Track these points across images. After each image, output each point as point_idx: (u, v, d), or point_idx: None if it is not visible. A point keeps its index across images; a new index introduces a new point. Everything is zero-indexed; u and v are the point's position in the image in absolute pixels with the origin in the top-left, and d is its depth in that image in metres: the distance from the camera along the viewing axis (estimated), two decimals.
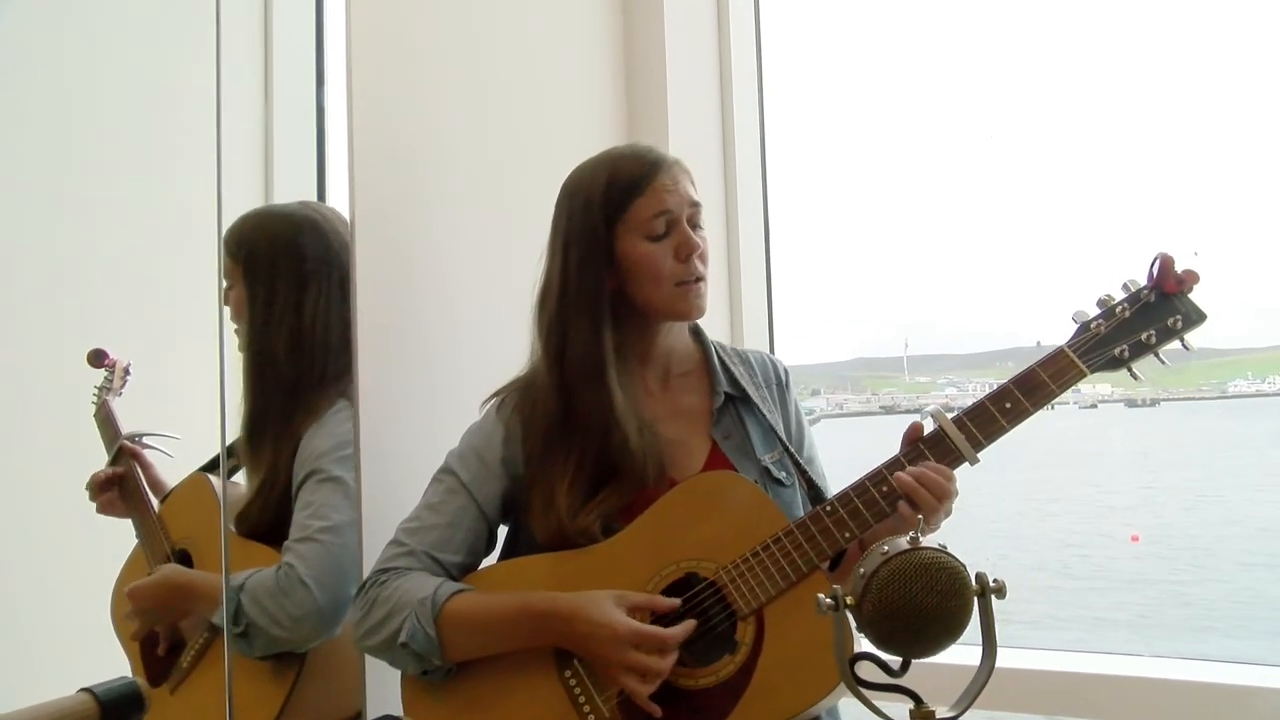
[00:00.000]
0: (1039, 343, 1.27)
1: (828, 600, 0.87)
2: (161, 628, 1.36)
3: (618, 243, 1.32)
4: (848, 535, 1.21)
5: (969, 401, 1.23)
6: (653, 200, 1.31)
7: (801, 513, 1.31)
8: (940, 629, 0.84)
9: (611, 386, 1.30)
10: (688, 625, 1.21)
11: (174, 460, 1.36)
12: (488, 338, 1.66)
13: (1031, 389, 1.21)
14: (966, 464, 1.21)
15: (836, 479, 1.38)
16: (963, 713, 0.89)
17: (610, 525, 1.27)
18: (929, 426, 1.23)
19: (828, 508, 1.22)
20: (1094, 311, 1.23)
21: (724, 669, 1.21)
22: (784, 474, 1.36)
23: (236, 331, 1.42)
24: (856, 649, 0.90)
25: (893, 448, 1.24)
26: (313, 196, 1.59)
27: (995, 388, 1.22)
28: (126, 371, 1.31)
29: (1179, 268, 1.20)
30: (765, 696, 1.18)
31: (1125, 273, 1.24)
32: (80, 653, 1.29)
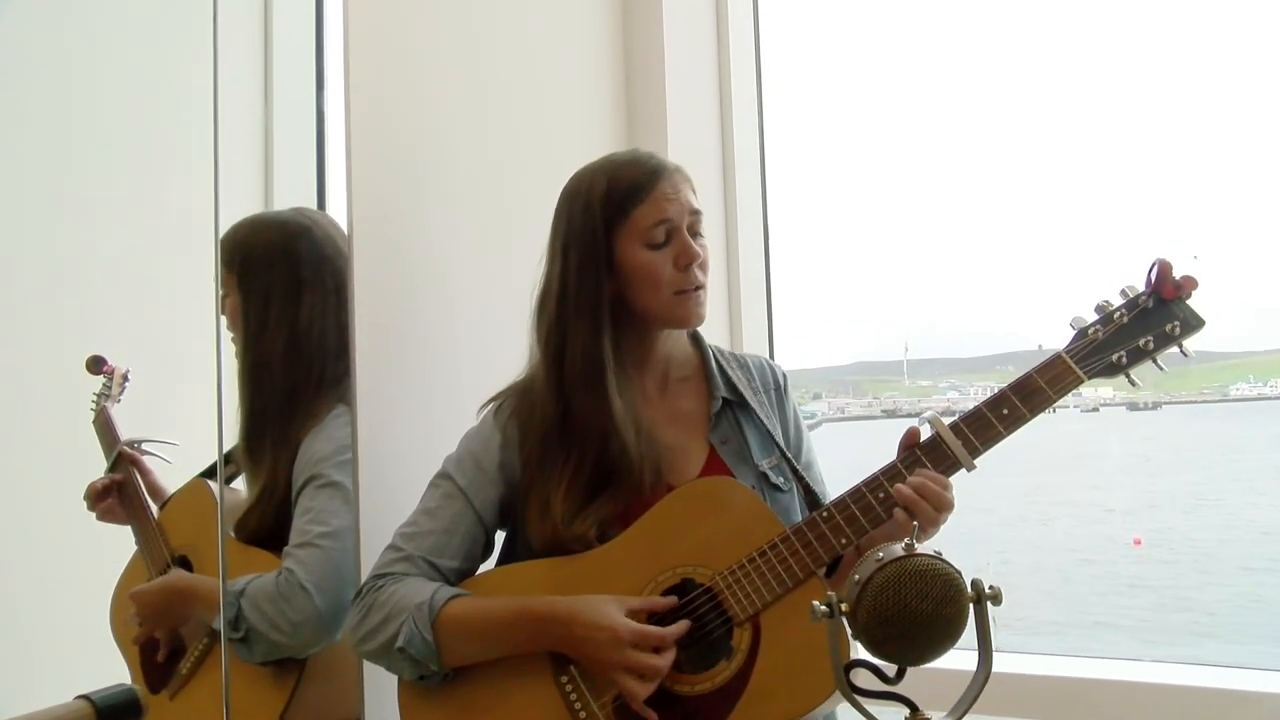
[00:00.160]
0: (1040, 346, 1.26)
1: (822, 607, 0.87)
2: (162, 632, 1.36)
3: (617, 249, 1.31)
4: (844, 541, 1.20)
5: (971, 405, 1.23)
6: (653, 208, 1.30)
7: (799, 518, 1.31)
8: (935, 636, 0.84)
9: (610, 391, 1.29)
10: (684, 623, 1.21)
11: (173, 466, 1.36)
12: (486, 341, 1.66)
13: (1029, 395, 1.20)
14: (964, 470, 1.21)
15: (839, 483, 1.38)
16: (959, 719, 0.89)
17: (606, 531, 1.27)
18: (925, 432, 1.23)
19: (824, 514, 1.22)
20: (1092, 317, 1.23)
21: (719, 675, 1.20)
22: (781, 479, 1.36)
23: (233, 340, 1.42)
24: (853, 655, 0.90)
25: (894, 452, 1.24)
26: (312, 200, 1.59)
27: (992, 394, 1.22)
28: (125, 378, 1.31)
29: (1177, 273, 1.19)
30: (761, 703, 1.17)
31: (1126, 276, 1.23)
32: (80, 657, 1.29)
